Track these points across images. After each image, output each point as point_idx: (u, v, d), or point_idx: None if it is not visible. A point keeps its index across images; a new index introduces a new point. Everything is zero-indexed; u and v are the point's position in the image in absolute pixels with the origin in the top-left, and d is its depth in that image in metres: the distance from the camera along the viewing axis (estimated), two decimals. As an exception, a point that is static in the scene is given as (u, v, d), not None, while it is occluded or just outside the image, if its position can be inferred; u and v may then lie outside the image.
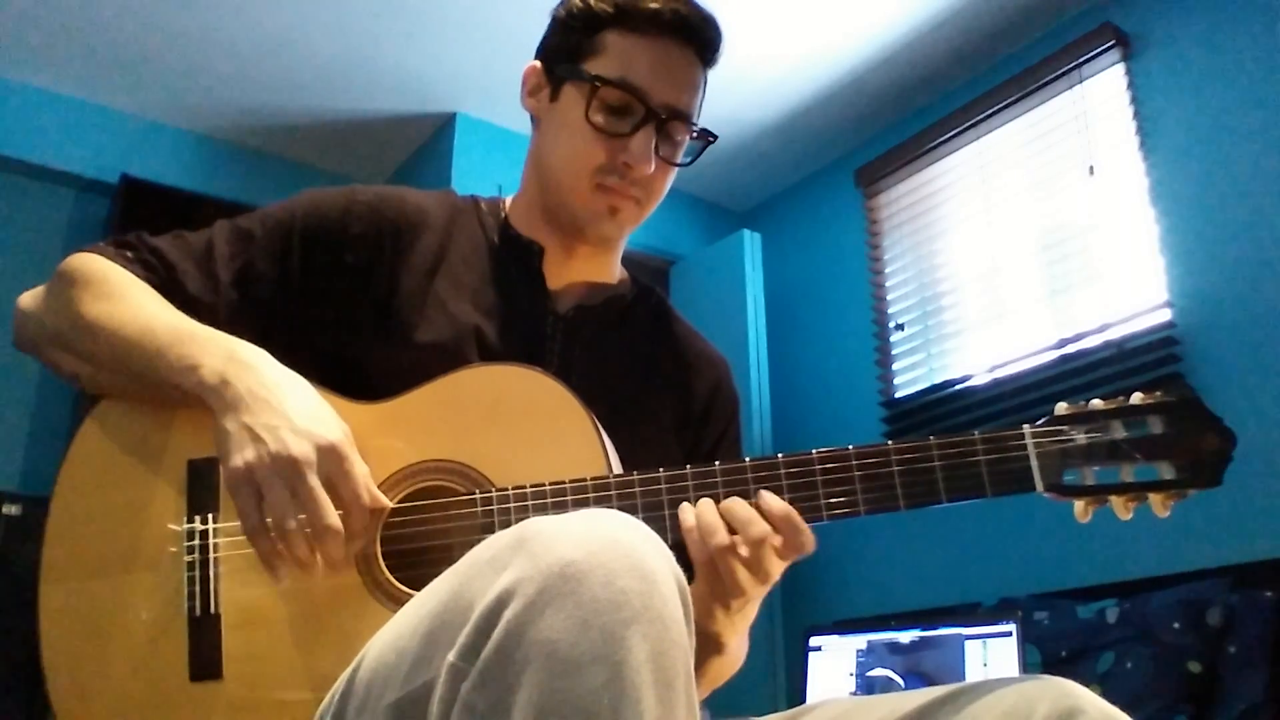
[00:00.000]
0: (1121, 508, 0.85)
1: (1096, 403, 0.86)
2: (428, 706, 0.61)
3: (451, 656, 0.60)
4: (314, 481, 0.83)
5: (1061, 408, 0.87)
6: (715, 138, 1.09)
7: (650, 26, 1.02)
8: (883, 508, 0.86)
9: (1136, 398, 0.86)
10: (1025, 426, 0.86)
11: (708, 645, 0.94)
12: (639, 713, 0.57)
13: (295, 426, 0.84)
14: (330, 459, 0.84)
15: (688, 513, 0.86)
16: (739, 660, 1.03)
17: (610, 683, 0.56)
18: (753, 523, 0.83)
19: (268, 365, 0.90)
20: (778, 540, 0.84)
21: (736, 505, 0.85)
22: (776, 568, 0.86)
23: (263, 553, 0.83)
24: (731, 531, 0.84)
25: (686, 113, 1.05)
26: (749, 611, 0.92)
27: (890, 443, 0.87)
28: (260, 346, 0.94)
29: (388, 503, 0.89)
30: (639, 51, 1.02)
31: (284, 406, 0.86)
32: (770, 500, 0.85)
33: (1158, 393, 0.86)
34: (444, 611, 0.64)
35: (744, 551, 0.83)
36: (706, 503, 0.86)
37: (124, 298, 0.95)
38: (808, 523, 0.86)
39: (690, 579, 0.67)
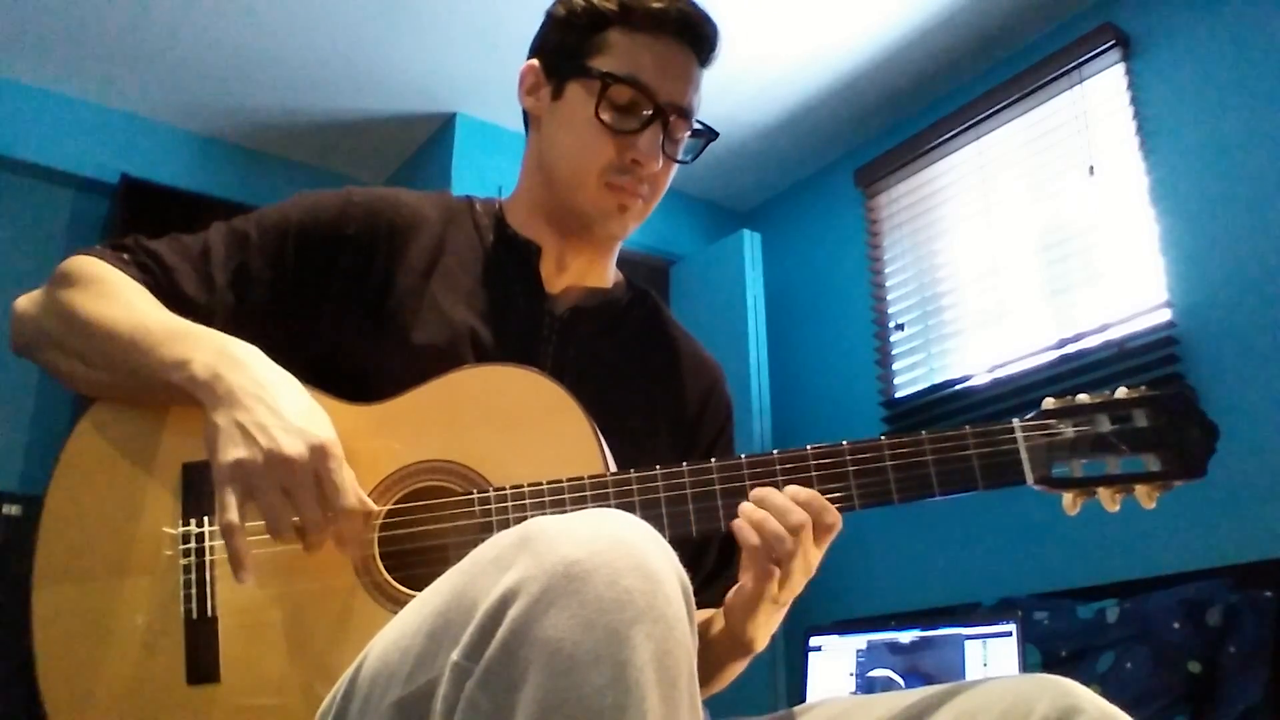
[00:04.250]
0: (1109, 499, 0.86)
1: (1083, 396, 0.88)
2: (431, 705, 0.61)
3: (455, 655, 0.60)
4: (306, 481, 0.83)
5: (1049, 402, 0.88)
6: (717, 135, 1.10)
7: (654, 25, 1.03)
8: (877, 501, 0.87)
9: (1122, 392, 0.87)
10: (1015, 420, 0.87)
11: (737, 649, 0.94)
12: (642, 712, 0.57)
13: (288, 425, 0.84)
14: (323, 460, 0.84)
15: (749, 511, 0.86)
16: (749, 659, 1.04)
17: (614, 682, 0.57)
18: (790, 510, 0.84)
19: (259, 362, 0.90)
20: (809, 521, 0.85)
21: (772, 494, 0.86)
22: (816, 555, 0.87)
23: (233, 550, 0.83)
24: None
25: (690, 110, 1.06)
26: (783, 611, 0.93)
27: (884, 437, 0.88)
28: (257, 347, 0.94)
29: (374, 508, 0.89)
30: (644, 49, 1.03)
31: (276, 404, 0.85)
32: (796, 489, 0.86)
33: (1143, 387, 0.87)
34: (447, 610, 0.64)
35: (790, 542, 0.84)
36: (756, 494, 0.86)
37: (118, 298, 0.95)
38: None
39: (693, 578, 0.67)
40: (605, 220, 1.07)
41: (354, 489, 0.86)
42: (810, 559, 0.86)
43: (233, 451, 0.84)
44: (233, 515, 0.82)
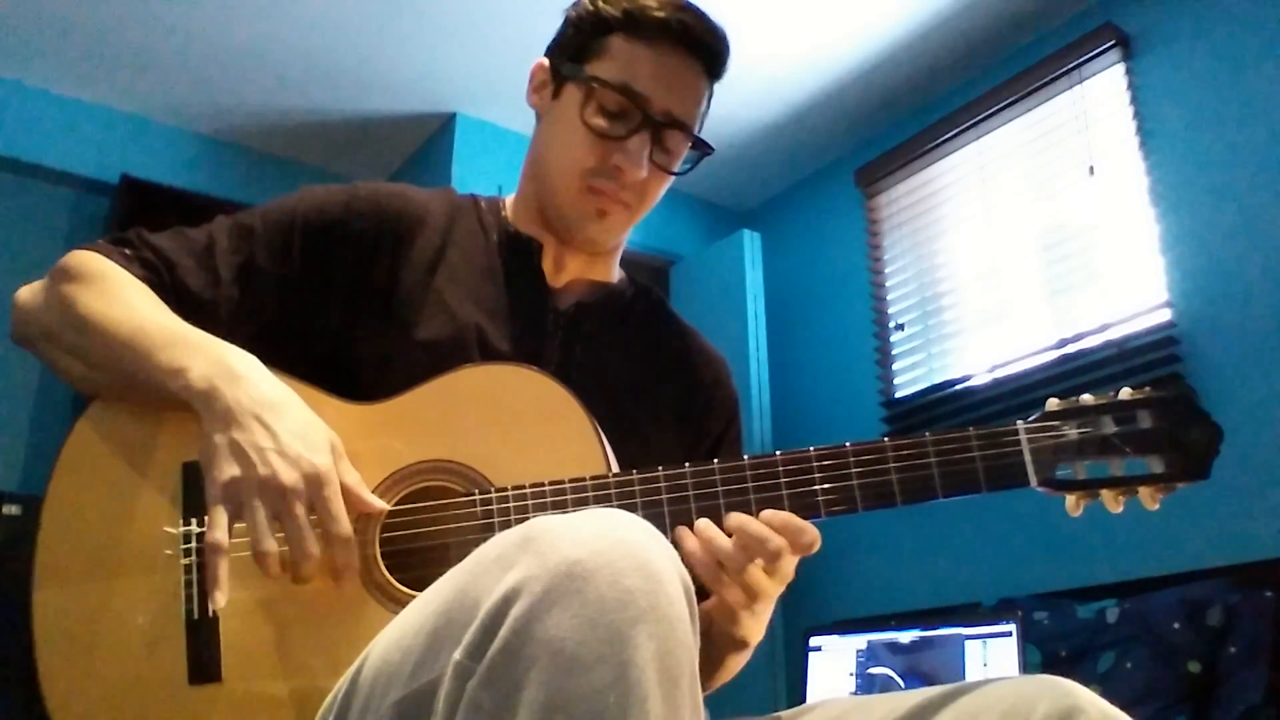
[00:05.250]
0: (1112, 501, 0.86)
1: (1087, 398, 0.87)
2: (433, 704, 0.61)
3: (457, 654, 0.60)
4: (298, 510, 0.82)
5: (1053, 403, 0.88)
6: (712, 150, 1.09)
7: (657, 34, 1.02)
8: (880, 504, 0.87)
9: (1125, 393, 0.87)
10: (1019, 422, 0.87)
11: (731, 645, 0.95)
12: (645, 712, 0.57)
13: (283, 449, 0.83)
14: (316, 486, 0.83)
15: (688, 539, 0.85)
16: (751, 652, 1.04)
17: (616, 682, 0.57)
18: (769, 539, 0.84)
19: (258, 376, 0.89)
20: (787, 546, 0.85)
21: (749, 524, 0.85)
22: (791, 567, 0.87)
23: (212, 570, 0.82)
24: (744, 547, 0.85)
25: (685, 122, 1.05)
26: (768, 607, 0.93)
27: (887, 439, 0.87)
28: (260, 343, 0.94)
29: (383, 506, 0.89)
30: (643, 58, 1.02)
31: (273, 424, 0.85)
32: (770, 514, 0.86)
33: (1147, 388, 0.87)
34: (450, 610, 0.64)
35: (761, 565, 0.84)
36: (705, 523, 0.86)
37: (118, 297, 0.95)
38: (806, 518, 0.87)
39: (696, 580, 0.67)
40: (583, 223, 1.07)
41: (346, 520, 0.84)
42: (786, 571, 0.87)
43: (227, 471, 0.83)
44: (220, 535, 0.82)
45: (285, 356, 0.95)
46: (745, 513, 0.86)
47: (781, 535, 0.84)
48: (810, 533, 0.85)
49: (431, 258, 1.06)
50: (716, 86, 1.10)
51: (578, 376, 0.94)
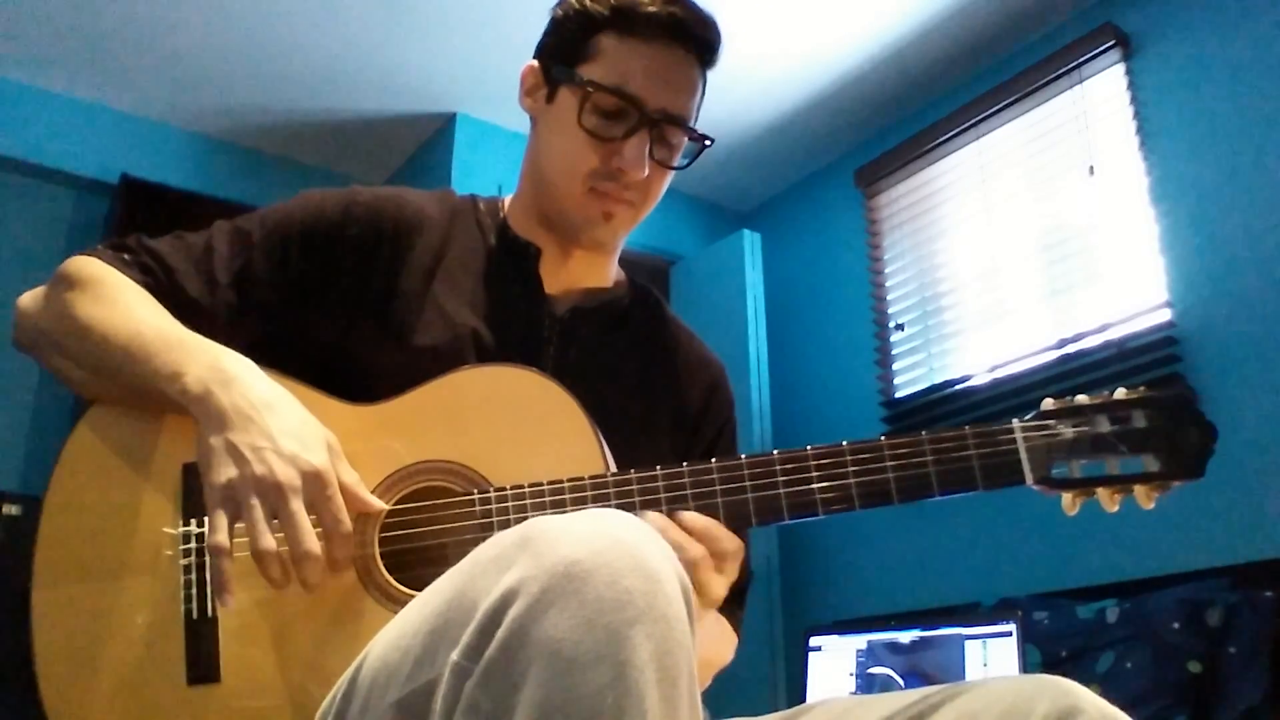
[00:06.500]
0: (1108, 499, 0.86)
1: (1083, 397, 0.88)
2: (431, 705, 0.61)
3: (455, 655, 0.60)
4: (296, 507, 0.82)
5: (1049, 403, 0.88)
6: (711, 141, 1.09)
7: (646, 29, 1.01)
8: (877, 502, 0.87)
9: (1121, 393, 0.88)
10: (1014, 421, 0.87)
11: None
12: (642, 712, 0.57)
13: (279, 448, 0.83)
14: (314, 484, 0.83)
15: None
16: (722, 660, 1.03)
17: (614, 682, 0.57)
18: (686, 546, 0.84)
19: (253, 378, 0.89)
20: (708, 556, 0.85)
21: (668, 529, 0.85)
22: (719, 586, 0.87)
23: (217, 572, 0.82)
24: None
25: (682, 117, 1.04)
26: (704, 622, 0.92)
27: (884, 438, 0.88)
28: (259, 347, 0.94)
29: (382, 505, 0.89)
30: (634, 55, 1.01)
31: (268, 425, 0.85)
32: (690, 518, 0.86)
33: (1142, 388, 0.87)
34: (448, 610, 0.64)
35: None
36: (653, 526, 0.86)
37: (116, 302, 0.95)
38: (804, 517, 0.87)
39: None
40: (591, 227, 1.06)
41: (346, 511, 0.85)
42: (712, 591, 0.86)
43: (224, 472, 0.83)
44: (222, 537, 0.82)
45: (283, 361, 0.96)
46: (742, 513, 0.86)
47: (700, 539, 0.84)
48: (729, 540, 0.85)
49: (429, 263, 1.05)
50: (717, 86, 1.09)
51: (572, 382, 0.93)
